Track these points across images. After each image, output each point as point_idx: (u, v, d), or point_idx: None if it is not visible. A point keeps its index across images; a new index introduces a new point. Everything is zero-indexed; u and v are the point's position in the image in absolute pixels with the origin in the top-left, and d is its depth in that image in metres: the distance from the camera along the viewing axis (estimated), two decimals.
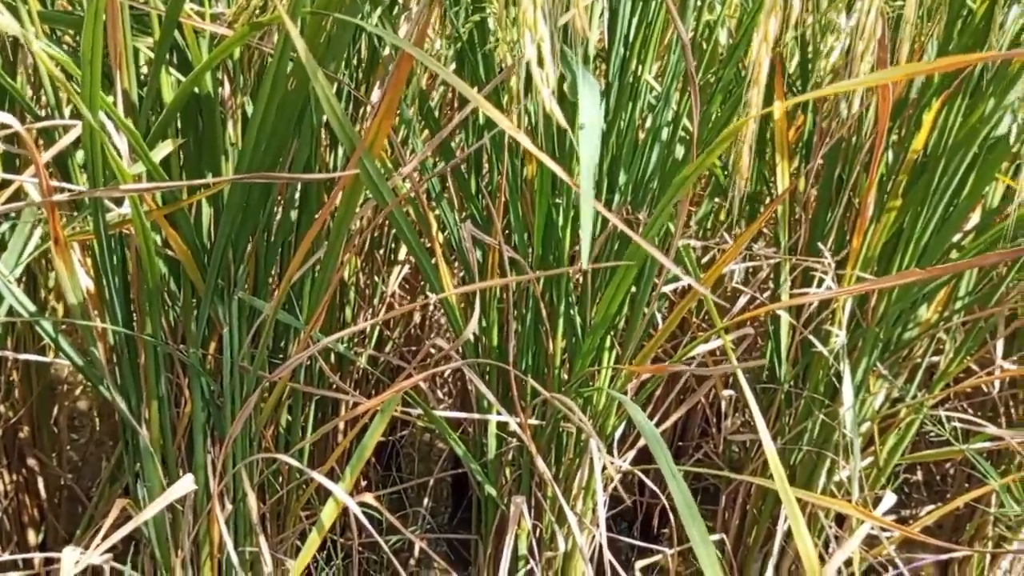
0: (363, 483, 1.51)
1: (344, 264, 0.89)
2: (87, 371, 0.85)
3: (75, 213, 0.87)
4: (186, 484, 0.81)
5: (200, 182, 0.74)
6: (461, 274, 1.09)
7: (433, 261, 0.87)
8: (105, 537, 0.78)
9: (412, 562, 1.49)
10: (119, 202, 0.81)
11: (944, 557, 1.13)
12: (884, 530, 1.13)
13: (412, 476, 1.68)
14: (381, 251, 1.35)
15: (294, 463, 0.85)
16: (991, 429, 1.05)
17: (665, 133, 0.89)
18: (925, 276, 0.83)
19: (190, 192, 0.77)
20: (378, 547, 1.40)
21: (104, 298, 0.86)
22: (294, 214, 0.94)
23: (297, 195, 0.92)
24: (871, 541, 1.16)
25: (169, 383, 0.94)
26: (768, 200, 1.10)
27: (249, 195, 0.77)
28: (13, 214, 0.89)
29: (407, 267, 1.43)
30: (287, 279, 0.78)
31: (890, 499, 0.93)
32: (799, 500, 1.01)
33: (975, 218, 1.09)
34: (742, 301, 1.06)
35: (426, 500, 1.50)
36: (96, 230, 0.76)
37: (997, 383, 1.20)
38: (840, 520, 1.16)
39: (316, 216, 0.80)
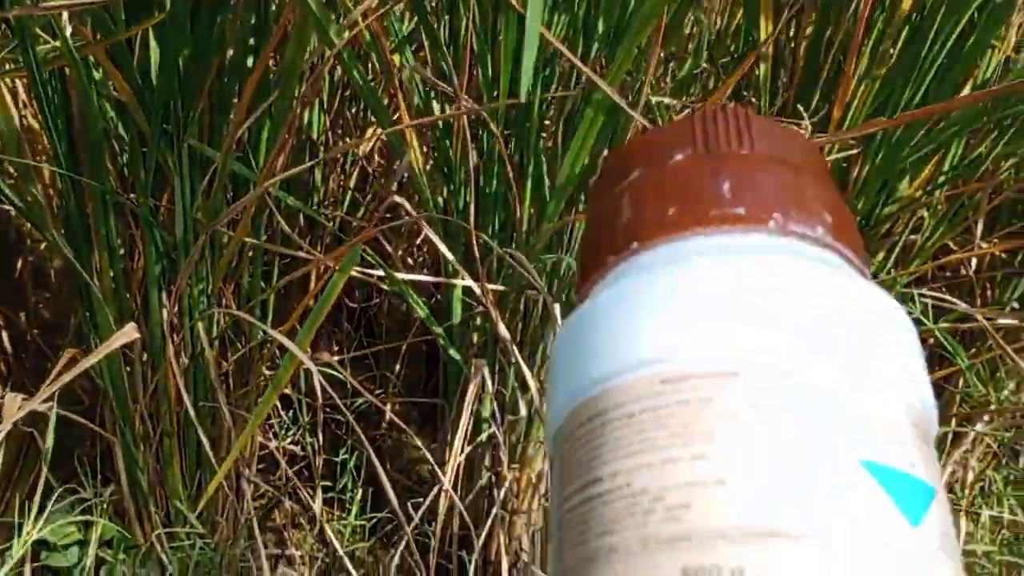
0: (336, 349, 1.50)
1: (304, 108, 0.84)
2: (28, 214, 0.82)
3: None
4: (128, 333, 0.79)
5: None
6: (427, 133, 1.05)
7: (390, 108, 0.83)
8: (51, 384, 0.77)
9: (384, 425, 1.51)
10: (54, 34, 0.75)
11: None
12: None
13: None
14: (353, 110, 1.30)
15: (248, 318, 0.83)
16: (962, 307, 1.03)
17: None
18: (919, 115, 0.79)
19: (130, 25, 0.72)
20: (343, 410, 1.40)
21: (51, 140, 0.82)
22: (251, 61, 0.89)
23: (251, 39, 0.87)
24: None
25: (122, 234, 0.91)
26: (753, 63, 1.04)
27: (193, 25, 0.72)
28: None
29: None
30: (236, 122, 0.74)
31: None
32: None
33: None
34: None
35: (397, 366, 1.49)
36: (27, 64, 0.71)
37: (974, 263, 1.18)
38: None
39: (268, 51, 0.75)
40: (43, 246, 1.47)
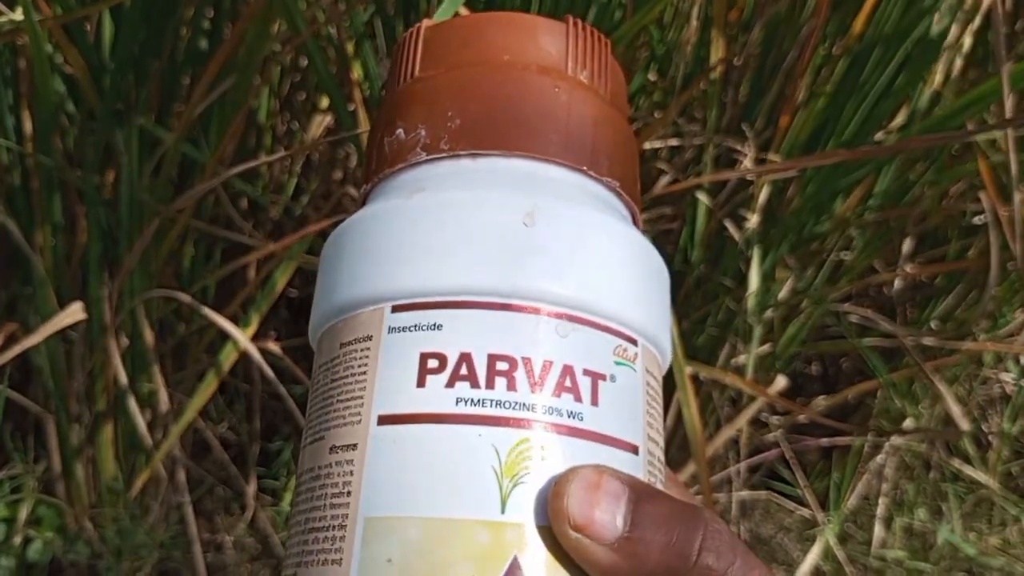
0: (273, 335, 1.49)
1: (256, 92, 0.84)
2: None
3: None
4: (75, 312, 0.79)
5: None
6: None
7: (348, 100, 0.84)
8: None
9: None
10: (11, 6, 0.74)
11: (826, 442, 1.19)
12: (774, 413, 1.17)
13: None
14: (303, 96, 1.30)
15: (187, 300, 0.83)
16: (885, 326, 1.08)
17: None
18: (848, 157, 0.83)
19: (90, 2, 0.71)
20: (284, 397, 1.40)
21: None
22: (205, 44, 0.89)
23: (207, 26, 0.87)
24: (761, 427, 1.21)
25: (66, 211, 0.90)
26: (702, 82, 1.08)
27: (153, 8, 0.72)
28: None
29: (331, 117, 1.38)
30: (192, 104, 0.74)
31: (781, 381, 0.96)
32: (695, 376, 1.05)
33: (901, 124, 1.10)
34: (664, 181, 1.06)
35: None
36: None
37: (898, 283, 1.24)
38: (734, 403, 1.21)
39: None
40: None
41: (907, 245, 1.16)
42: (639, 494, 0.22)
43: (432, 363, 0.22)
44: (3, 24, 0.73)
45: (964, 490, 1.23)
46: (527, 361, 0.22)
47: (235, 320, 0.90)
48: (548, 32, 0.27)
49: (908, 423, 1.20)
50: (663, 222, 1.03)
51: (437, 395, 0.22)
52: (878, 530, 1.20)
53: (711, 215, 1.04)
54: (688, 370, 0.86)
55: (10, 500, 0.95)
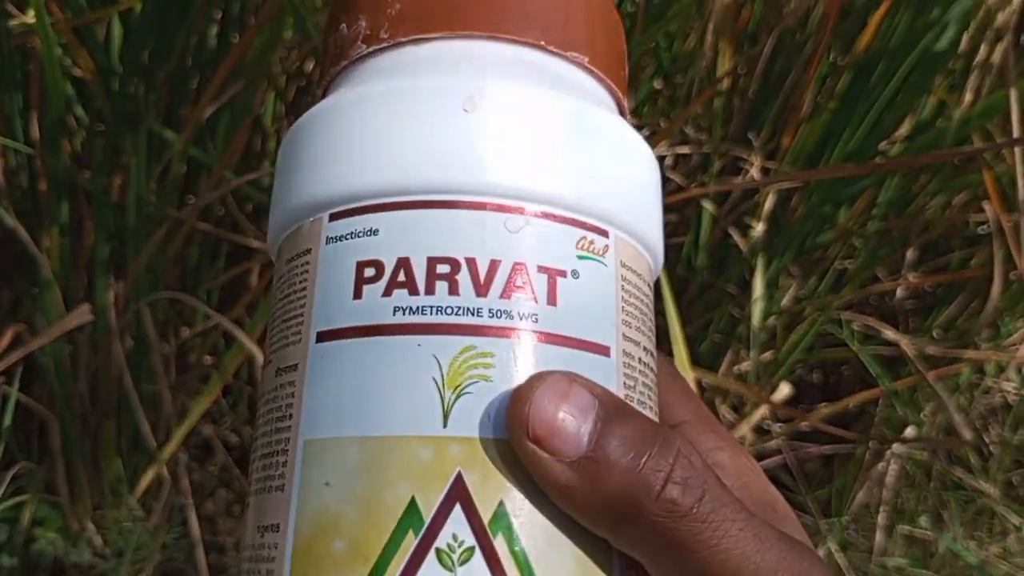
0: None
1: (263, 97, 0.85)
2: None
3: None
4: (83, 314, 0.79)
5: None
6: None
7: None
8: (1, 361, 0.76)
9: None
10: (23, 9, 0.75)
11: (827, 449, 1.19)
12: (776, 420, 1.18)
13: None
14: (308, 100, 1.30)
15: (191, 301, 0.84)
16: (888, 334, 1.09)
17: None
18: (856, 172, 0.83)
19: (100, 6, 0.72)
20: None
21: (6, 114, 0.81)
22: (214, 49, 0.89)
23: (216, 31, 0.87)
24: (764, 434, 1.21)
25: (73, 213, 0.90)
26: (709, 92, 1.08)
27: (164, 13, 0.72)
28: None
29: None
30: (200, 108, 0.74)
31: (785, 388, 0.96)
32: (699, 383, 1.05)
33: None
34: (670, 189, 1.06)
35: None
36: None
37: (900, 292, 1.24)
38: (737, 410, 1.21)
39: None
40: None
41: (910, 254, 1.16)
42: (609, 410, 0.20)
43: (368, 271, 0.21)
44: (14, 27, 0.74)
45: (965, 499, 1.23)
46: (471, 262, 0.20)
47: (239, 323, 0.90)
48: None
49: (910, 431, 1.21)
50: (667, 229, 1.03)
51: (374, 305, 0.21)
52: (879, 538, 1.21)
53: (716, 223, 1.04)
54: (691, 376, 0.86)
55: (13, 500, 0.95)
